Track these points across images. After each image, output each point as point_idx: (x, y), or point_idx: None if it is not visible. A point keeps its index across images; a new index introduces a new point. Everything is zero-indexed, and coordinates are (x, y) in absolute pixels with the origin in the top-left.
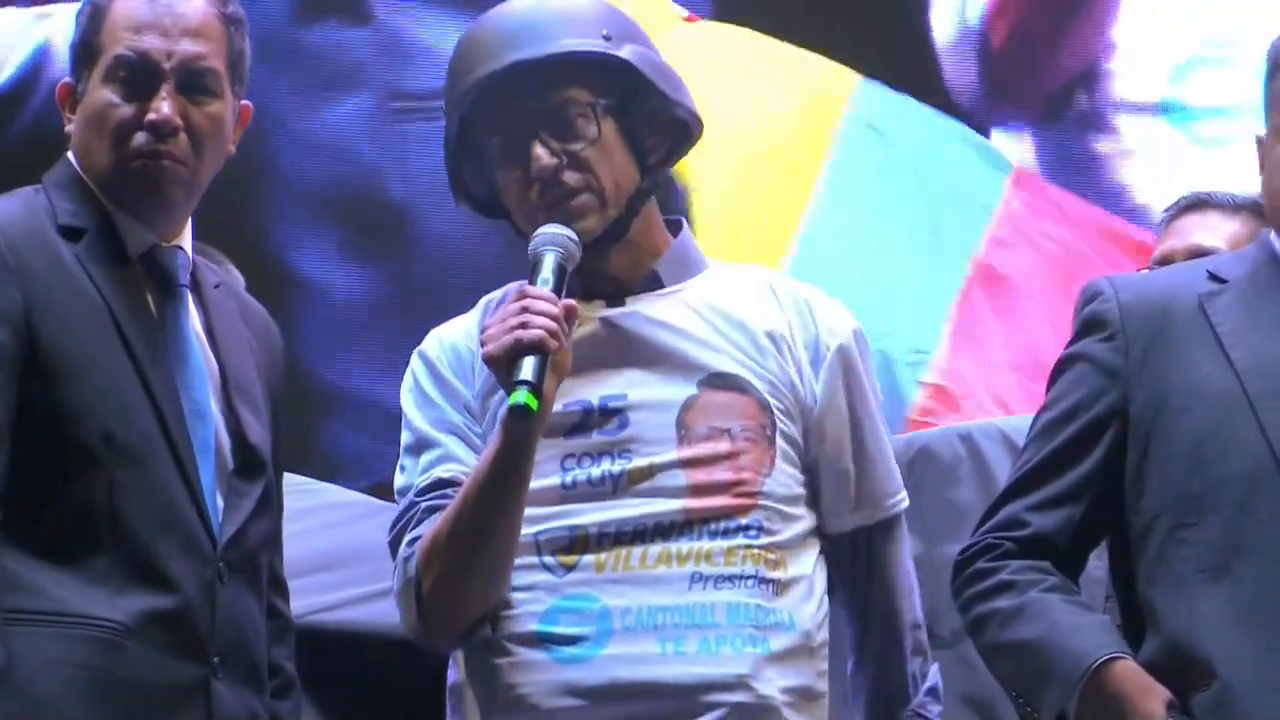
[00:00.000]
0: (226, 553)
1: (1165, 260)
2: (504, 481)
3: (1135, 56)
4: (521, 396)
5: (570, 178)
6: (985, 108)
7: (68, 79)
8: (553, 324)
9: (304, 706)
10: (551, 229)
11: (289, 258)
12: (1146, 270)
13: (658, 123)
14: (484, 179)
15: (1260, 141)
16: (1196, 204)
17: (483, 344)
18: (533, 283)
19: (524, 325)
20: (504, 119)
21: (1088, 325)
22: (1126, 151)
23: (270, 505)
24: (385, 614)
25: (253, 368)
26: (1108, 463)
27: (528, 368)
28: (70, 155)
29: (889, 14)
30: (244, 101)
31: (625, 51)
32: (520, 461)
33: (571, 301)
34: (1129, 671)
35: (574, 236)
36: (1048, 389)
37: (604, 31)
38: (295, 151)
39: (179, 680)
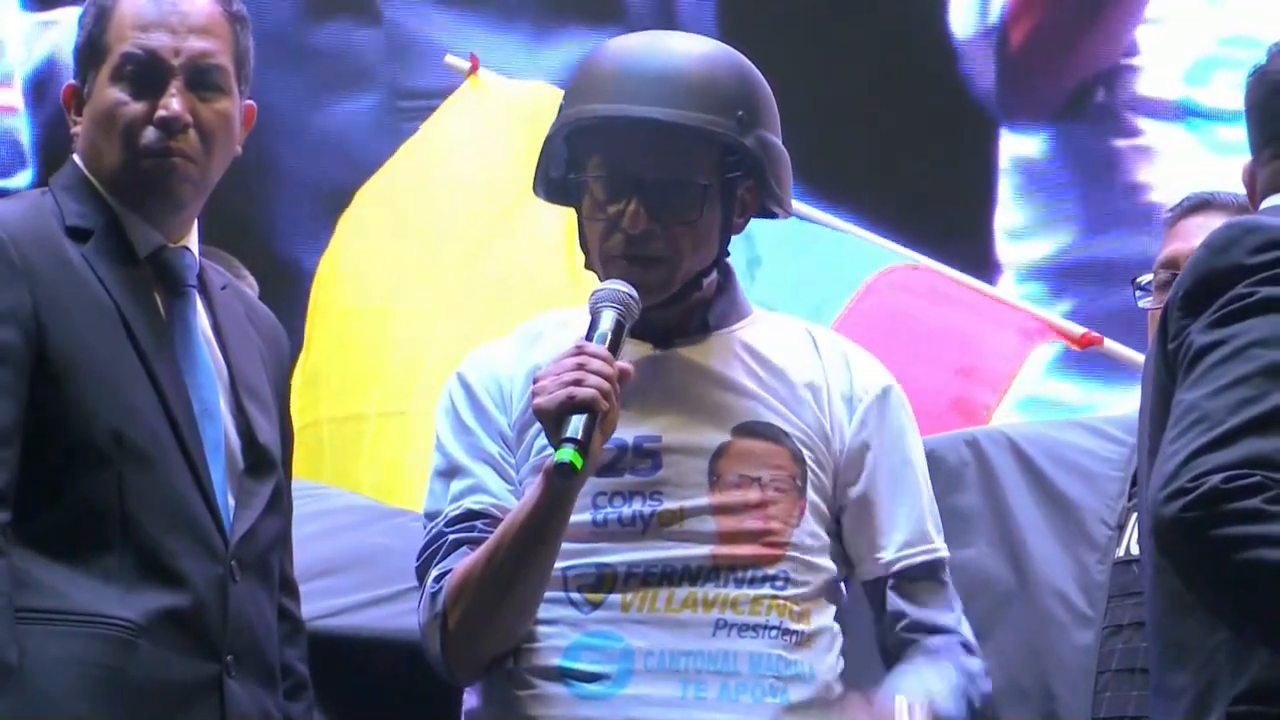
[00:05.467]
0: (238, 551)
1: (1171, 263)
2: (540, 531)
3: (1156, 58)
4: (568, 455)
5: (655, 246)
6: (1001, 105)
7: (72, 81)
8: (606, 384)
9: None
10: (614, 285)
11: (297, 257)
12: (1153, 275)
13: (752, 200)
14: (569, 170)
15: None
16: (1200, 205)
17: (534, 394)
18: (590, 338)
19: (578, 383)
20: (617, 159)
21: None
22: (1144, 150)
23: (280, 505)
24: (391, 619)
25: (260, 368)
26: None
27: (577, 426)
28: (76, 157)
29: (907, 9)
30: (248, 102)
31: (752, 140)
32: (558, 514)
33: (627, 365)
34: None
35: (635, 295)
36: (1225, 319)
37: (740, 112)
38: (304, 151)
39: (192, 678)
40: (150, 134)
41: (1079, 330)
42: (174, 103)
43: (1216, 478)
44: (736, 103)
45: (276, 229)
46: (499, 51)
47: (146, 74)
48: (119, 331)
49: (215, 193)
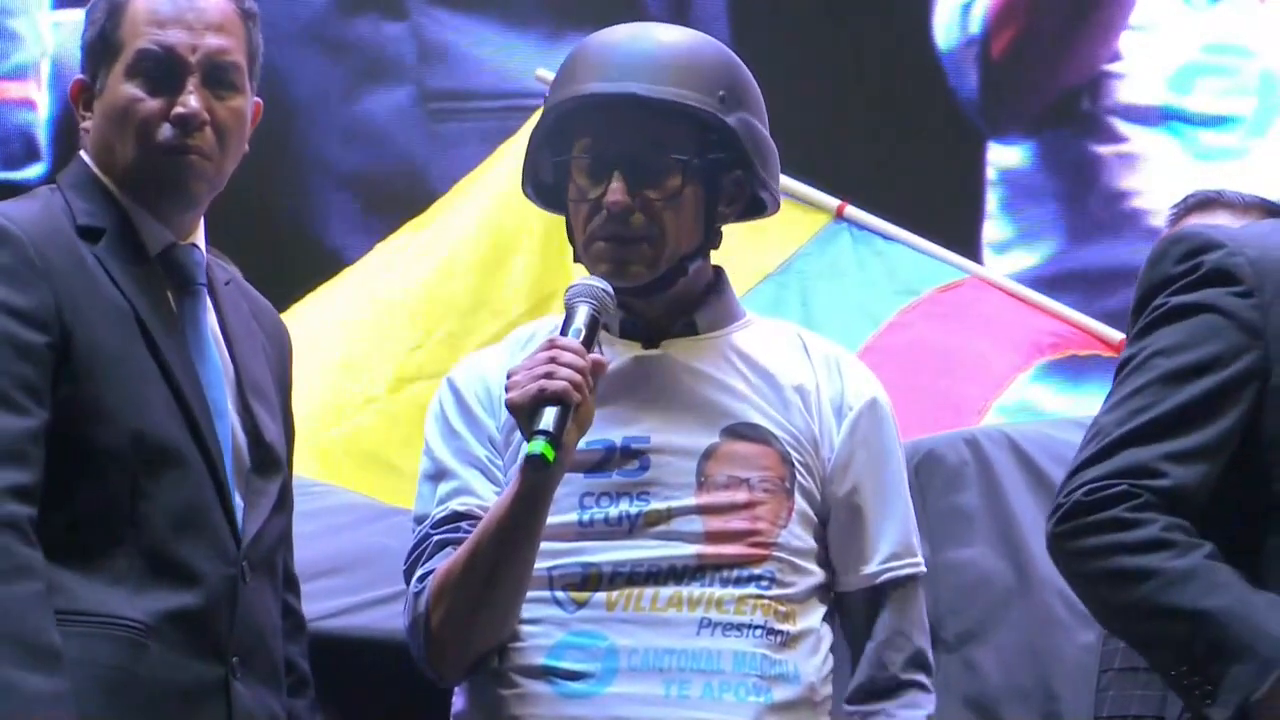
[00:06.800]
0: (248, 552)
1: None
2: (518, 527)
3: (1139, 64)
4: (539, 447)
5: (638, 222)
6: (984, 113)
7: (81, 76)
8: (578, 377)
9: None
10: (590, 280)
11: (334, 245)
12: None
13: (739, 190)
14: (557, 171)
15: None
16: (1205, 203)
17: (507, 389)
18: (564, 333)
19: (549, 376)
20: (599, 138)
21: (1213, 275)
22: (1128, 157)
23: (286, 503)
24: (391, 619)
25: (265, 365)
26: (1243, 424)
27: (548, 418)
28: (83, 154)
29: (893, 21)
30: (256, 99)
31: (734, 119)
32: (535, 509)
33: (599, 357)
34: None
35: (610, 290)
36: (1142, 331)
37: (721, 92)
38: (339, 141)
39: (199, 681)
40: (167, 131)
41: (1117, 336)
42: (192, 100)
43: (1080, 491)
44: (718, 84)
45: (313, 217)
46: (517, 56)
47: (163, 71)
48: (134, 332)
49: (255, 181)
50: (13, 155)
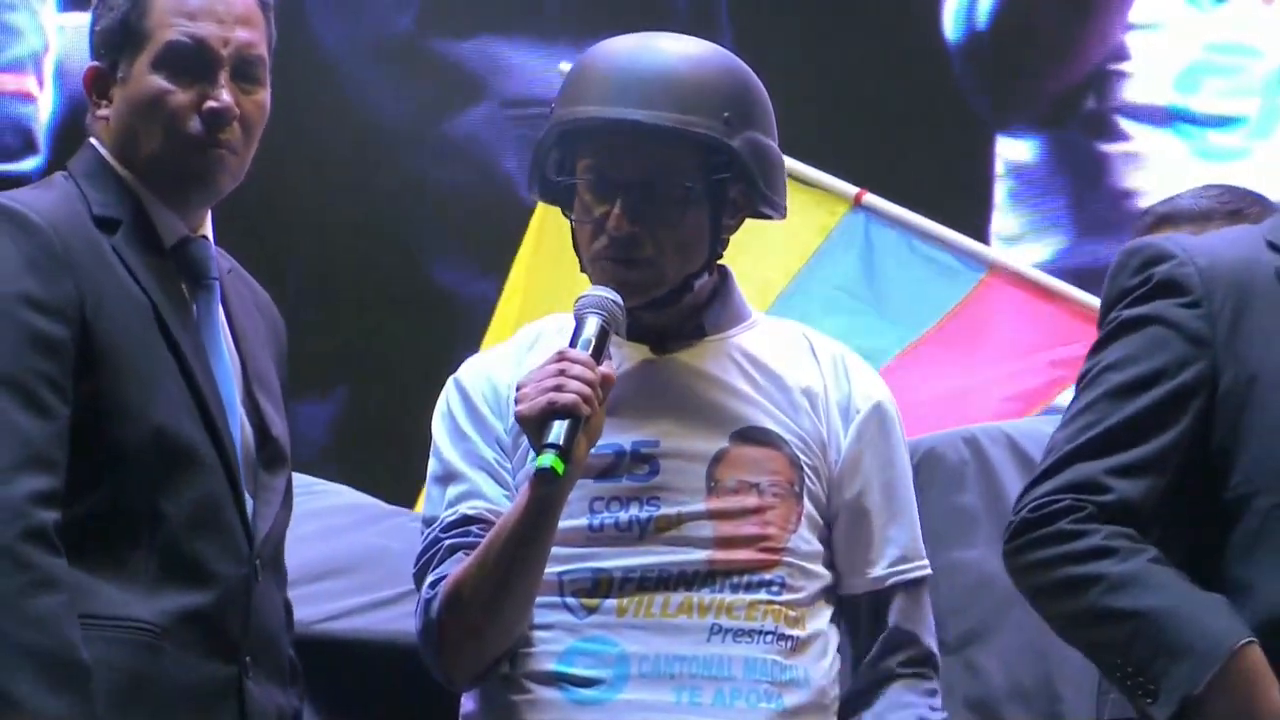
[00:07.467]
0: (260, 550)
1: None
2: (528, 537)
3: (1145, 63)
4: (549, 460)
5: (641, 249)
6: (991, 109)
7: (96, 63)
8: (587, 389)
9: (312, 716)
10: (599, 291)
11: (428, 267)
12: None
13: (745, 201)
14: (560, 173)
15: None
16: (1164, 220)
17: (517, 401)
18: (573, 344)
19: (559, 388)
20: (602, 161)
21: (1162, 287)
22: (1134, 157)
23: (290, 499)
24: (393, 621)
25: (269, 359)
26: (1193, 434)
27: (558, 431)
28: (95, 142)
29: (902, 15)
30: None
31: (739, 141)
32: (546, 519)
33: (608, 370)
34: (1261, 660)
35: (620, 302)
36: (1098, 345)
37: (726, 113)
38: (429, 158)
39: (213, 681)
40: (196, 124)
41: None
42: (224, 94)
43: (1027, 508)
44: (723, 104)
45: (408, 237)
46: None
47: (194, 63)
48: (152, 326)
49: (356, 202)
50: (8, 148)
